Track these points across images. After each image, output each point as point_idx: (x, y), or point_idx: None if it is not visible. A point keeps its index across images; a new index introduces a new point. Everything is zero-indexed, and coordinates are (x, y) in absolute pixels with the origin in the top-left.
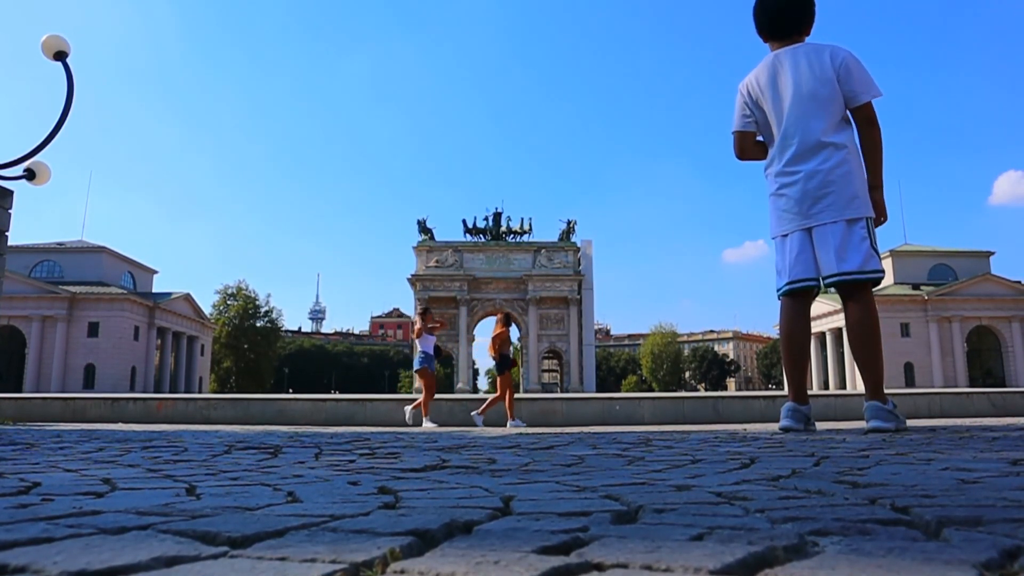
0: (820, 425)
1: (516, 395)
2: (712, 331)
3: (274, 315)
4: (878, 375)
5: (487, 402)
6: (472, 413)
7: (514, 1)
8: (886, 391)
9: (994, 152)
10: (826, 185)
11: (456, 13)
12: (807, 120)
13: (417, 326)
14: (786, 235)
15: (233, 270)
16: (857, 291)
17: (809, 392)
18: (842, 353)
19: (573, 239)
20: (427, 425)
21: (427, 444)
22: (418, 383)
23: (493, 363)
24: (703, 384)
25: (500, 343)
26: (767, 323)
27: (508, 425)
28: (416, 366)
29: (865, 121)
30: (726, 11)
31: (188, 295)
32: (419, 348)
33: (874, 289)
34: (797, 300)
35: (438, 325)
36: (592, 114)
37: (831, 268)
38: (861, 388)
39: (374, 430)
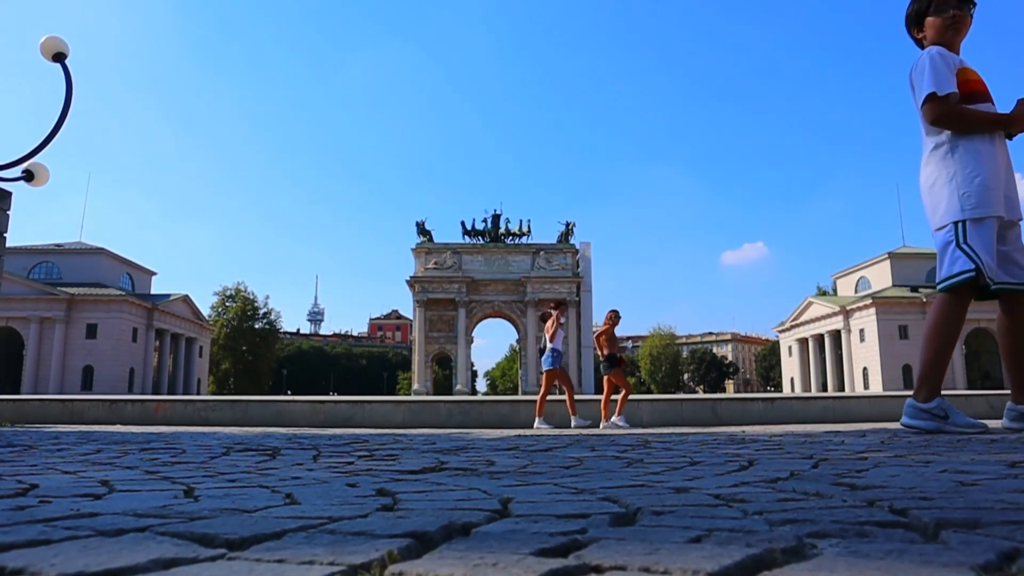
0: (819, 428)
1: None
2: (711, 333)
3: (272, 317)
4: (922, 373)
5: (619, 402)
6: (613, 419)
7: (510, 6)
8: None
9: None
10: (925, 199)
11: (452, 19)
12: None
13: (550, 323)
14: None
15: (231, 272)
16: (942, 295)
17: (808, 394)
18: (840, 356)
19: (572, 241)
20: (539, 425)
21: (425, 446)
22: (543, 382)
23: (602, 362)
24: (702, 386)
25: (607, 340)
26: (766, 325)
27: (616, 420)
28: (550, 365)
29: (938, 124)
30: (723, 14)
31: (187, 297)
32: (550, 344)
33: (872, 291)
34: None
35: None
36: (591, 116)
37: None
38: (860, 390)
39: (372, 432)
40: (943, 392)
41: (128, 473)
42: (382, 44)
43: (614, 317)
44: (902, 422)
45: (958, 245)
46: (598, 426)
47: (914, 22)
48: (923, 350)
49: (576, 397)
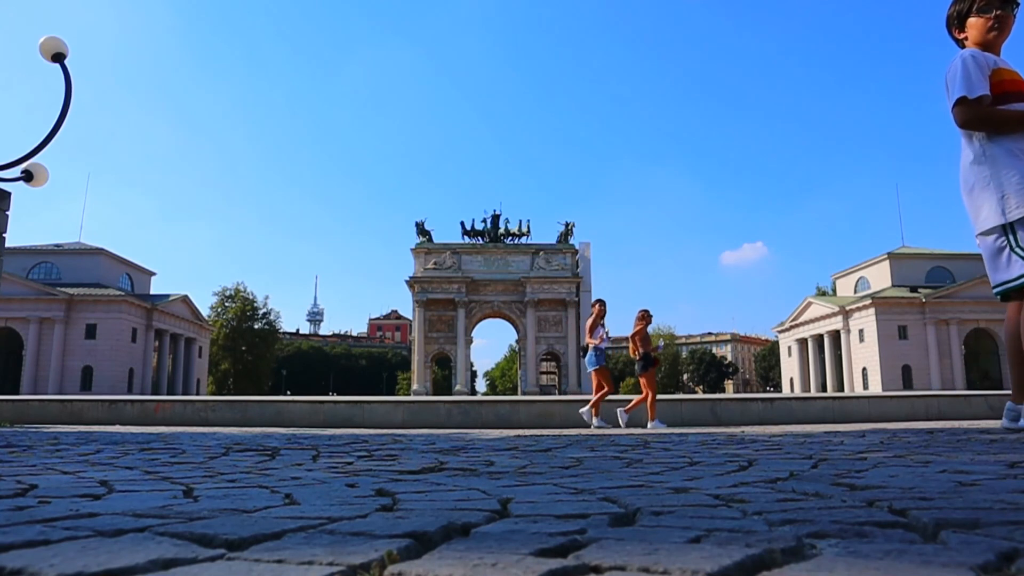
0: (819, 428)
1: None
2: (710, 333)
3: (272, 317)
4: (1012, 375)
5: (633, 401)
6: (618, 410)
7: (510, 6)
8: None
9: None
10: (966, 204)
11: (452, 19)
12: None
13: (591, 321)
14: None
15: (231, 272)
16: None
17: (807, 395)
18: (839, 356)
19: (571, 241)
20: (595, 424)
21: (425, 446)
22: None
23: (636, 363)
24: (701, 386)
25: (640, 340)
26: (765, 325)
27: (649, 426)
28: (595, 364)
29: (968, 127)
30: (723, 14)
31: (186, 297)
32: (592, 343)
33: (871, 292)
34: (1011, 302)
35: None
36: (591, 117)
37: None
38: (859, 391)
39: (372, 432)
40: (939, 392)
41: (127, 473)
42: (382, 44)
43: (647, 316)
44: (1001, 424)
45: (1012, 250)
46: (643, 426)
47: (956, 23)
48: (1008, 357)
49: (574, 398)
